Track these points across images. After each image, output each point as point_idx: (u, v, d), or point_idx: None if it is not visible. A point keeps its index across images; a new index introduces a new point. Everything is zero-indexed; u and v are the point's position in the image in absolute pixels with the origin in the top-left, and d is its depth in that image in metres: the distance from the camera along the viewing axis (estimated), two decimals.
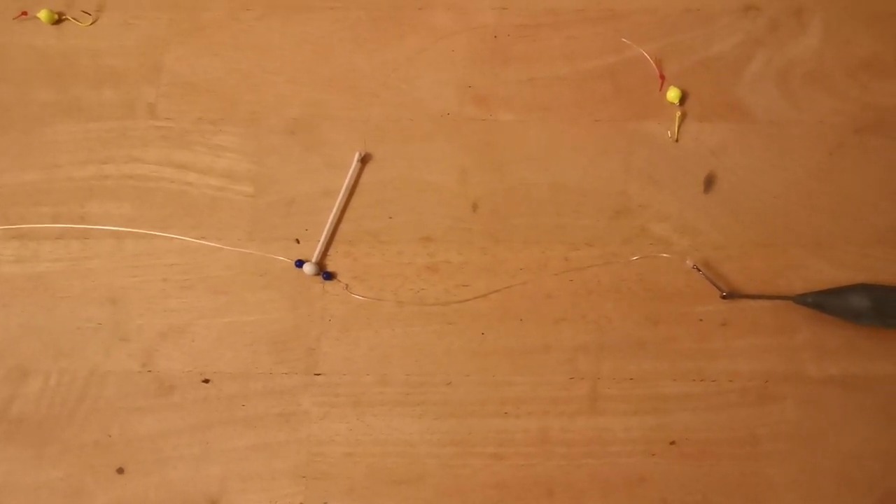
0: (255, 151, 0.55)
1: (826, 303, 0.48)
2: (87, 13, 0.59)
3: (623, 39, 0.56)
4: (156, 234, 0.54)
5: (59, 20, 0.59)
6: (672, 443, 0.49)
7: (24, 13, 0.58)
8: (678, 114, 0.54)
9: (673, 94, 0.54)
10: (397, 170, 0.54)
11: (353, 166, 0.54)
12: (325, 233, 0.53)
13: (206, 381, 0.51)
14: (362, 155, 0.54)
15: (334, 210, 0.53)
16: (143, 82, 0.57)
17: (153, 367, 0.51)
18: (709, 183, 0.53)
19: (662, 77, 0.55)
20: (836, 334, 0.50)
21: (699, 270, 0.50)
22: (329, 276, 0.52)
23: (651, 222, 0.52)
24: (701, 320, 0.51)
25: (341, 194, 0.53)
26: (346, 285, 0.52)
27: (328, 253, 0.53)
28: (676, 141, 0.54)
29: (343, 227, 0.53)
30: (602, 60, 0.56)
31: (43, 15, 0.58)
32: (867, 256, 0.51)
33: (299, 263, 0.52)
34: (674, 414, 0.49)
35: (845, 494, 0.48)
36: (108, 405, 0.51)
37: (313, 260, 0.52)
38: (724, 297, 0.50)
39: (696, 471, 0.48)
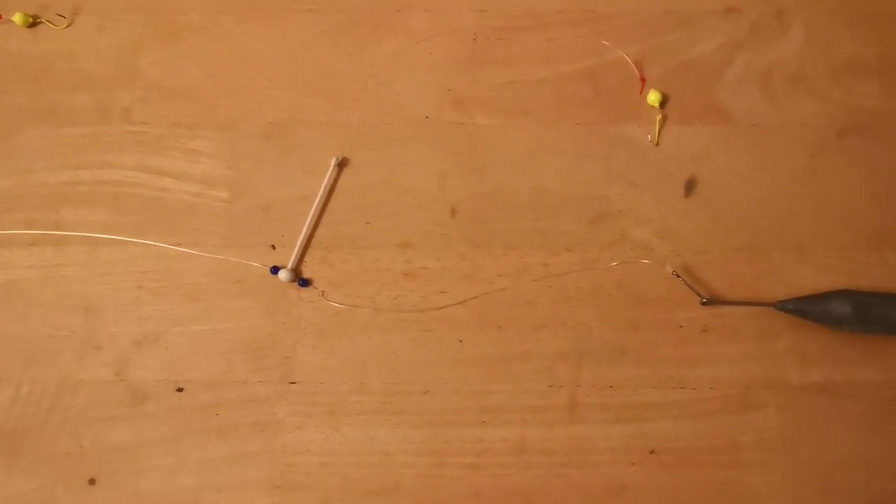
0: (232, 156, 0.54)
1: (807, 309, 0.48)
2: (62, 16, 0.58)
3: (603, 42, 0.55)
4: (130, 241, 0.53)
5: (33, 23, 0.58)
6: (652, 451, 0.48)
7: None
8: (658, 117, 0.53)
9: (653, 98, 0.53)
10: (375, 174, 0.54)
11: (329, 171, 0.53)
12: (301, 239, 0.52)
13: (180, 389, 0.50)
14: (339, 159, 0.54)
15: (311, 216, 0.52)
16: (119, 87, 0.56)
17: (126, 376, 0.51)
18: (690, 187, 0.52)
19: (643, 80, 0.54)
20: (817, 340, 0.49)
21: (678, 277, 0.50)
22: (305, 282, 0.51)
23: (631, 227, 0.52)
24: (681, 327, 0.50)
25: (318, 199, 0.53)
26: (323, 292, 0.51)
27: (304, 259, 0.52)
28: (657, 144, 0.53)
29: (320, 232, 0.53)
30: (582, 63, 0.55)
31: (17, 18, 0.57)
32: (850, 260, 0.50)
33: (275, 270, 0.51)
34: (654, 422, 0.48)
35: (828, 503, 0.47)
36: (81, 415, 0.50)
37: (289, 266, 0.51)
38: (703, 304, 0.49)
39: (677, 480, 0.48)
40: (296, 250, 0.52)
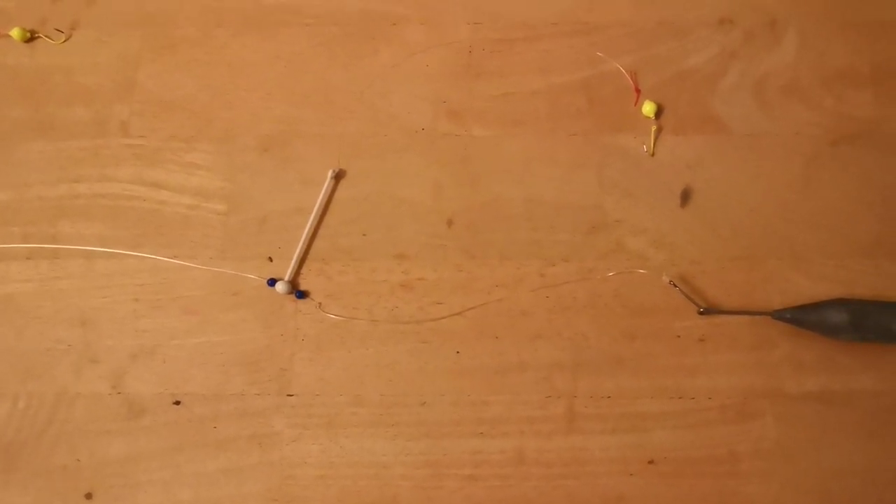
0: (228, 169, 0.54)
1: (804, 318, 0.48)
2: (59, 31, 0.58)
3: (598, 53, 0.56)
4: (127, 254, 0.53)
5: (31, 38, 0.58)
6: (650, 462, 0.48)
7: None
8: (654, 127, 0.53)
9: (648, 108, 0.53)
10: (371, 186, 0.54)
11: (326, 183, 0.53)
12: (298, 251, 0.52)
13: (177, 402, 0.50)
14: (336, 171, 0.54)
15: (307, 227, 0.52)
16: (116, 100, 0.56)
17: (123, 389, 0.50)
18: (685, 196, 0.52)
19: (637, 90, 0.54)
20: (814, 349, 0.49)
21: (675, 286, 0.50)
22: (302, 294, 0.51)
23: (627, 237, 0.52)
24: (679, 336, 0.50)
25: (314, 211, 0.53)
26: (320, 304, 0.51)
27: (301, 271, 0.52)
28: (652, 155, 0.53)
29: (316, 244, 0.53)
30: (577, 74, 0.55)
31: (15, 33, 0.58)
32: (845, 269, 0.51)
33: (272, 282, 0.51)
34: (652, 432, 0.48)
35: None
36: (77, 428, 0.50)
37: (286, 278, 0.52)
38: (701, 314, 0.49)
39: (675, 490, 0.48)
40: (293, 262, 0.52)
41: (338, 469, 0.48)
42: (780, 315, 0.48)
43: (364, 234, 0.53)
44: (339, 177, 0.54)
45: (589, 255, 0.51)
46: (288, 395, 0.50)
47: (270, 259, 0.52)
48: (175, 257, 0.53)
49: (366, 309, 0.51)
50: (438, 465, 0.48)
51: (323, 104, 0.56)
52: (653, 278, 0.51)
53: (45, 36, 0.58)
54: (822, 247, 0.51)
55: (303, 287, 0.52)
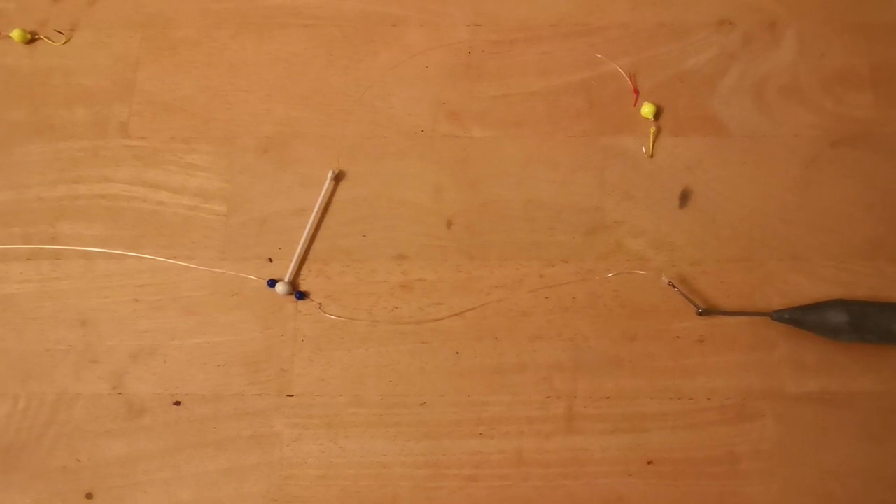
0: (228, 170, 0.54)
1: (804, 319, 0.48)
2: (60, 32, 0.58)
3: (597, 55, 0.56)
4: (127, 255, 0.53)
5: (31, 39, 0.58)
6: (650, 462, 0.48)
7: None
8: (653, 129, 0.53)
9: (647, 109, 0.53)
10: (371, 187, 0.54)
11: (326, 184, 0.53)
12: (297, 251, 0.52)
13: (178, 403, 0.50)
14: (336, 173, 0.54)
15: (307, 228, 0.53)
16: (116, 101, 0.56)
17: (123, 390, 0.50)
18: (684, 198, 0.52)
19: (637, 92, 0.54)
20: (814, 350, 0.49)
21: (675, 287, 0.50)
22: (302, 295, 0.52)
23: (627, 238, 0.52)
24: (678, 337, 0.50)
25: (314, 212, 0.53)
26: (320, 304, 0.52)
27: (301, 272, 0.52)
28: (651, 156, 0.53)
29: (316, 245, 0.53)
30: (576, 76, 0.55)
31: (15, 34, 0.58)
32: (844, 270, 0.51)
33: (272, 283, 0.51)
34: (651, 433, 0.48)
35: None
36: (77, 429, 0.50)
37: (286, 279, 0.52)
38: (700, 314, 0.49)
39: (675, 491, 0.48)
40: (292, 263, 0.52)
41: (338, 469, 0.48)
42: (779, 316, 0.48)
43: (364, 235, 0.53)
44: (338, 178, 0.54)
45: (588, 256, 0.52)
46: (288, 396, 0.50)
47: (270, 260, 0.52)
48: (175, 258, 0.53)
49: (365, 309, 0.51)
50: (438, 466, 0.48)
51: (322, 105, 0.56)
52: (652, 279, 0.51)
53: (46, 37, 0.58)
54: (821, 248, 0.51)
55: (303, 288, 0.52)
